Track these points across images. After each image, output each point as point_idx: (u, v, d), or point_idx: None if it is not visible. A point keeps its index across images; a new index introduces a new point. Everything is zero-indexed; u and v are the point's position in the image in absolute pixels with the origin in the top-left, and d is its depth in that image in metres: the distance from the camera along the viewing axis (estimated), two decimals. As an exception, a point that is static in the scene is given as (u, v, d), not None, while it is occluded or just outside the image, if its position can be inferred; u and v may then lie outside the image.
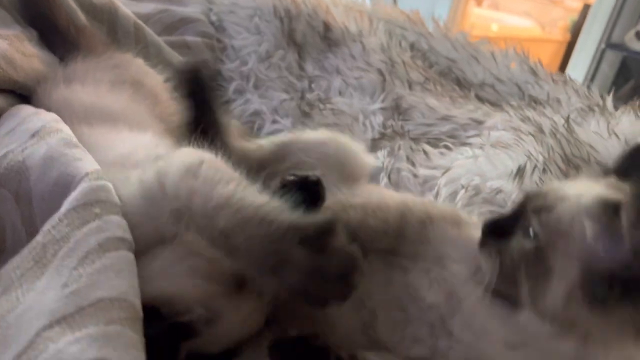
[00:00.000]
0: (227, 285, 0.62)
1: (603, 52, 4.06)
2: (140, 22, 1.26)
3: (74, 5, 1.11)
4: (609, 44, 4.02)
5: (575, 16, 6.91)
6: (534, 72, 1.51)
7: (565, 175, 0.96)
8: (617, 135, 1.10)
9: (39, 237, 0.59)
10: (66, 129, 0.77)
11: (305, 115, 1.29)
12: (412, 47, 1.65)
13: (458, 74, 1.56)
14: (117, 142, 0.79)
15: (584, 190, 0.58)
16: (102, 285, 0.52)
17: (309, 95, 1.36)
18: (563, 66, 4.53)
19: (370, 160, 0.92)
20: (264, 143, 0.91)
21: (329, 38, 1.53)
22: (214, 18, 1.55)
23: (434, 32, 1.67)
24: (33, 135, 0.75)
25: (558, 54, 7.12)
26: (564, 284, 0.54)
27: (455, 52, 1.60)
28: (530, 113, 1.17)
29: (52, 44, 1.04)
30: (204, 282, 0.60)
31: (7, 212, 0.70)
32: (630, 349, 0.53)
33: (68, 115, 0.81)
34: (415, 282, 0.66)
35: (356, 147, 0.87)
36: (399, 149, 1.13)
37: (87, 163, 0.68)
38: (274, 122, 1.31)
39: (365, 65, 1.43)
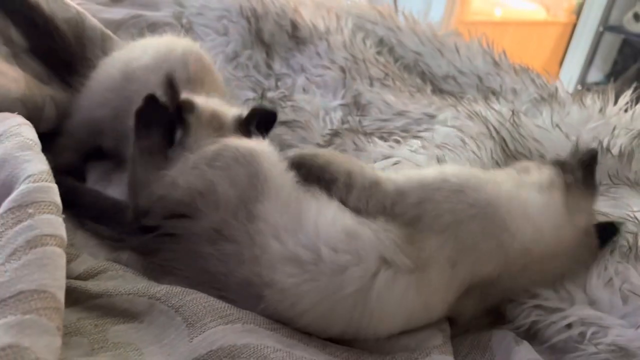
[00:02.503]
0: None
1: (602, 34, 4.02)
2: (108, 32, 1.32)
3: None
4: (607, 26, 3.99)
5: (581, -3, 6.80)
6: (496, 64, 1.54)
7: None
8: (560, 128, 1.14)
9: (-21, 237, 0.67)
10: (27, 132, 0.85)
11: (266, 113, 1.34)
12: (381, 41, 1.70)
13: (423, 67, 1.61)
14: None
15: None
16: (24, 279, 0.59)
17: (271, 94, 1.42)
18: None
19: None
20: None
21: (296, 37, 1.59)
22: (184, 21, 1.61)
23: (403, 27, 1.71)
24: None
25: (564, 36, 7.03)
26: None
27: (422, 46, 1.64)
28: (480, 107, 1.21)
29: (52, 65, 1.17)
30: None
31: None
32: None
33: None
34: None
35: None
36: (350, 142, 1.18)
37: (33, 165, 0.76)
38: (239, 120, 1.37)
39: (329, 63, 1.48)
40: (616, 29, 3.99)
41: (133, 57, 1.11)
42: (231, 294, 0.79)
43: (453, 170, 0.82)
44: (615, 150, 1.10)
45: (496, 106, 1.24)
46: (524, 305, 0.83)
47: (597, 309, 0.80)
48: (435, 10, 5.24)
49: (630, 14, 3.91)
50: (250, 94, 1.45)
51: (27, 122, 0.89)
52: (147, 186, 0.86)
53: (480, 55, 1.57)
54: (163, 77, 0.94)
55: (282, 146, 1.29)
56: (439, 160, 1.03)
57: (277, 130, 1.32)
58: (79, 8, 1.29)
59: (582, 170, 0.86)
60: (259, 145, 0.85)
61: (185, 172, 0.84)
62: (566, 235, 0.80)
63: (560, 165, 0.87)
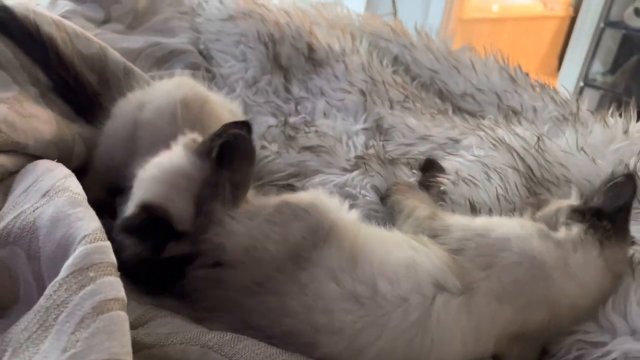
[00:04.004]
0: None
1: (602, 30, 4.04)
2: (130, 65, 1.33)
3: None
4: (608, 22, 4.00)
5: (578, -10, 6.81)
6: (513, 80, 1.56)
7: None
8: (585, 151, 1.15)
9: (42, 301, 0.68)
10: (74, 186, 0.86)
11: (289, 139, 1.36)
12: (396, 60, 1.71)
13: (440, 85, 1.62)
14: None
15: None
16: (96, 348, 0.60)
17: (293, 119, 1.43)
18: (567, 41, 4.51)
19: None
20: None
21: (313, 59, 1.60)
22: (202, 47, 1.62)
23: (417, 43, 1.72)
24: (44, 195, 0.84)
25: (561, 30, 7.05)
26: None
27: (437, 63, 1.66)
28: (502, 132, 1.23)
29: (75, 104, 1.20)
30: None
31: (20, 268, 0.80)
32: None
33: None
34: None
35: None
36: (377, 167, 1.20)
37: (86, 223, 0.77)
38: (262, 147, 1.38)
39: (347, 86, 1.50)
40: (617, 24, 4.01)
41: (144, 102, 1.13)
42: (278, 342, 0.79)
43: (499, 221, 0.85)
44: (641, 172, 1.12)
45: (519, 130, 1.25)
46: (565, 341, 0.84)
47: (639, 340, 0.82)
48: (434, 9, 5.25)
49: (630, 9, 3.93)
50: (272, 120, 1.46)
51: (70, 172, 0.90)
52: (220, 224, 0.85)
53: (497, 71, 1.58)
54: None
55: (308, 172, 1.31)
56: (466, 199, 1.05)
57: (302, 156, 1.34)
58: (102, 43, 1.30)
59: (616, 218, 0.87)
60: (317, 196, 0.88)
61: (243, 222, 0.84)
62: (608, 286, 0.83)
63: (594, 212, 0.88)
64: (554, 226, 0.88)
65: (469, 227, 0.84)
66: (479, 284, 0.78)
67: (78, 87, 1.24)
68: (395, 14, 4.79)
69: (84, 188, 1.01)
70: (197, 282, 0.87)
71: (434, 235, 0.87)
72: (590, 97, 4.36)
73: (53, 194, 0.82)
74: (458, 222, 0.87)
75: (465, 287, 0.78)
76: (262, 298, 0.80)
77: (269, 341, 0.80)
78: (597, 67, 4.31)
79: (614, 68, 4.32)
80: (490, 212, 1.05)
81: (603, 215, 0.86)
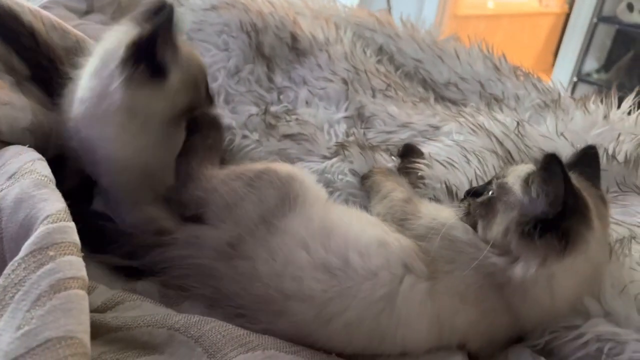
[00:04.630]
0: None
1: (596, 25, 4.04)
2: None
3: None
4: (601, 17, 4.00)
5: (573, -14, 6.81)
6: (497, 68, 1.55)
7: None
8: (565, 137, 1.15)
9: (0, 280, 0.67)
10: (40, 168, 0.85)
11: (270, 127, 1.35)
12: (381, 49, 1.70)
13: (424, 74, 1.61)
14: None
15: (523, 168, 0.84)
16: (51, 325, 0.59)
17: (274, 108, 1.42)
18: (562, 37, 4.52)
19: None
20: None
21: (297, 48, 1.59)
22: (184, 37, 1.61)
23: (402, 34, 1.71)
24: (9, 178, 0.83)
25: (557, 26, 7.04)
26: (504, 221, 0.78)
27: (422, 53, 1.65)
28: (483, 118, 1.22)
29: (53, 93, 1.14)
30: None
31: (-16, 251, 0.78)
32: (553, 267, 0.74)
33: None
34: None
35: None
36: (357, 155, 1.19)
37: (50, 204, 0.76)
38: (244, 137, 1.37)
39: (330, 75, 1.49)
40: (610, 19, 4.00)
41: None
42: (249, 311, 0.81)
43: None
44: (621, 157, 1.11)
45: (500, 116, 1.24)
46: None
47: (612, 322, 0.81)
48: (429, 5, 5.24)
49: (623, 4, 3.93)
50: (254, 109, 1.45)
51: (40, 156, 0.89)
52: (197, 180, 0.93)
53: (481, 60, 1.58)
54: None
55: (289, 160, 1.30)
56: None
57: (283, 144, 1.33)
58: (80, 35, 1.29)
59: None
60: (296, 169, 0.94)
61: (226, 182, 0.89)
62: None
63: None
64: None
65: (437, 217, 0.85)
66: (443, 277, 0.79)
67: (57, 76, 1.22)
68: (389, 10, 4.77)
69: (63, 177, 1.01)
70: (173, 252, 0.89)
71: (404, 219, 0.88)
72: (584, 93, 4.35)
73: (19, 176, 0.81)
74: (428, 210, 0.88)
75: (431, 274, 0.79)
76: (234, 262, 0.83)
77: (239, 312, 0.81)
78: (592, 64, 4.31)
79: (607, 64, 4.32)
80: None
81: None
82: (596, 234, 0.76)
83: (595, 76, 4.29)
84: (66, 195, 0.82)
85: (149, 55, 0.91)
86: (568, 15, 6.62)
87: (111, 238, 0.96)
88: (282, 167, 0.93)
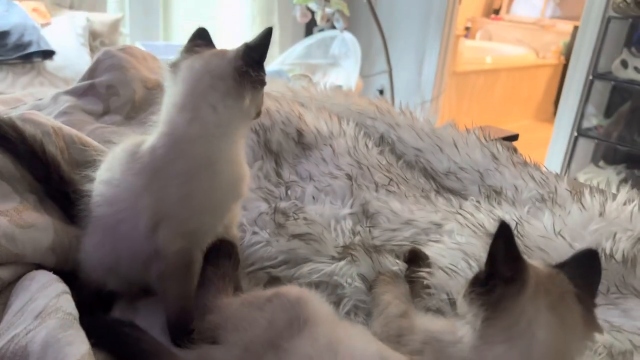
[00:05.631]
0: None
1: (592, 82, 4.15)
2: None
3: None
4: (596, 74, 4.11)
5: (567, 39, 7.02)
6: (494, 157, 1.61)
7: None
8: (562, 236, 1.19)
9: None
10: (66, 305, 0.90)
11: (279, 227, 1.40)
12: (382, 138, 1.78)
13: (424, 163, 1.68)
14: None
15: None
16: None
17: (283, 204, 1.48)
18: (562, 87, 4.64)
19: None
20: None
21: (302, 143, 1.67)
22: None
23: (401, 122, 1.79)
24: (36, 317, 0.87)
25: (555, 77, 7.22)
26: None
27: (421, 141, 1.72)
28: (483, 216, 1.27)
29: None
30: None
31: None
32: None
33: None
34: None
35: None
36: (364, 257, 1.23)
37: (75, 347, 0.80)
38: (254, 233, 1.42)
39: (335, 170, 1.56)
40: (605, 76, 4.12)
41: None
42: None
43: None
44: (618, 256, 1.15)
45: (499, 213, 1.30)
46: None
47: None
48: (428, 64, 5.41)
49: (617, 61, 4.04)
50: (263, 206, 1.51)
51: (64, 287, 0.95)
52: (210, 312, 0.96)
53: (479, 149, 1.65)
54: None
55: (298, 260, 1.35)
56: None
57: (292, 244, 1.38)
58: (98, 147, 1.37)
59: None
60: (305, 291, 0.98)
61: (240, 309, 0.94)
62: None
63: None
64: None
65: (429, 330, 0.88)
66: None
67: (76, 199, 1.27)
68: (390, 71, 4.94)
69: (77, 288, 1.06)
70: None
71: (400, 335, 0.91)
72: (586, 147, 4.42)
73: (45, 315, 0.86)
74: (423, 323, 0.91)
75: None
76: None
77: None
78: (591, 116, 4.40)
79: (607, 115, 4.41)
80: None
81: None
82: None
83: (594, 122, 4.36)
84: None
85: None
86: (565, 66, 6.79)
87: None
88: (292, 290, 0.97)
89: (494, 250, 0.77)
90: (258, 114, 1.15)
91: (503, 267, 0.77)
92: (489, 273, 0.78)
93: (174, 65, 1.08)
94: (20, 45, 3.60)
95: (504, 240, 0.76)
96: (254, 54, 1.05)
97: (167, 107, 1.07)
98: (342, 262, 1.27)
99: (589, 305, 0.80)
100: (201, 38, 1.13)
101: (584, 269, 0.83)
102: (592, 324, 0.80)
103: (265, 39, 1.05)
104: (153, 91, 1.83)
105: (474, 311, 0.79)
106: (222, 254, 1.08)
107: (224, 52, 1.08)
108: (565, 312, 0.78)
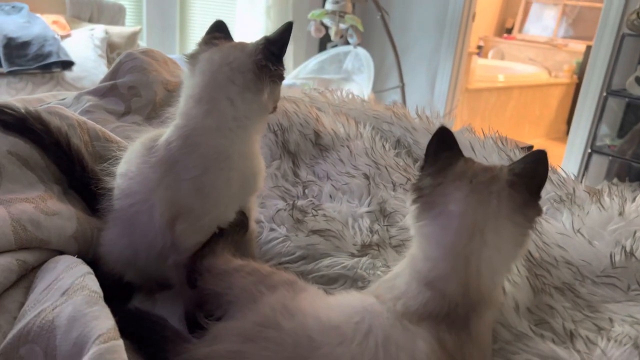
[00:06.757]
0: None
1: (606, 99, 4.15)
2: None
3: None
4: (610, 91, 4.11)
5: (580, 58, 7.03)
6: (512, 161, 1.62)
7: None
8: (582, 234, 1.19)
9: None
10: (92, 284, 0.91)
11: (298, 222, 1.41)
12: (398, 142, 1.80)
13: (441, 166, 1.68)
14: None
15: None
16: None
17: (301, 202, 1.49)
18: (574, 106, 4.64)
19: None
20: None
21: (320, 144, 1.69)
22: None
23: (418, 126, 1.81)
24: (63, 294, 0.89)
25: (567, 96, 7.21)
26: None
27: (438, 145, 1.73)
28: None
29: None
30: None
31: (38, 366, 0.83)
32: None
33: None
34: None
35: None
36: (382, 256, 1.23)
37: (101, 322, 0.81)
38: (272, 229, 1.43)
39: (352, 170, 1.57)
40: (619, 92, 4.11)
41: None
42: None
43: None
44: (638, 254, 1.14)
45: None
46: None
47: None
48: (441, 81, 5.44)
49: (632, 78, 4.04)
50: (281, 203, 1.53)
51: (89, 269, 0.96)
52: (218, 259, 1.03)
53: (496, 153, 1.65)
54: None
55: (317, 255, 1.35)
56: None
57: (311, 239, 1.39)
58: (121, 143, 1.39)
59: None
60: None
61: (241, 273, 0.99)
62: None
63: None
64: None
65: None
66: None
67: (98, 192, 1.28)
68: (403, 87, 4.98)
69: (99, 277, 1.07)
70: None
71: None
72: (600, 164, 4.39)
73: (72, 292, 0.87)
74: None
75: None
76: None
77: None
78: (605, 133, 4.38)
79: (621, 134, 4.39)
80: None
81: None
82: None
83: (607, 141, 4.35)
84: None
85: None
86: (577, 85, 6.79)
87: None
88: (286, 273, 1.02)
89: (429, 146, 0.90)
90: (274, 109, 1.16)
91: (432, 158, 0.88)
92: (421, 166, 0.92)
93: (192, 57, 1.10)
94: (41, 55, 3.69)
95: (437, 138, 0.89)
96: (274, 48, 1.06)
97: (184, 99, 1.08)
98: (364, 258, 1.27)
99: (522, 190, 0.84)
100: (219, 31, 1.15)
101: (529, 164, 0.86)
102: (527, 208, 0.85)
103: (285, 33, 1.06)
104: (173, 93, 1.87)
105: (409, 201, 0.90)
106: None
107: (243, 45, 1.09)
108: (491, 194, 0.82)
